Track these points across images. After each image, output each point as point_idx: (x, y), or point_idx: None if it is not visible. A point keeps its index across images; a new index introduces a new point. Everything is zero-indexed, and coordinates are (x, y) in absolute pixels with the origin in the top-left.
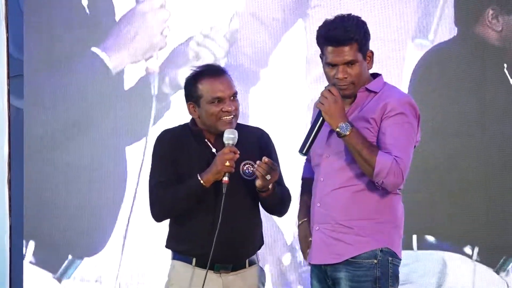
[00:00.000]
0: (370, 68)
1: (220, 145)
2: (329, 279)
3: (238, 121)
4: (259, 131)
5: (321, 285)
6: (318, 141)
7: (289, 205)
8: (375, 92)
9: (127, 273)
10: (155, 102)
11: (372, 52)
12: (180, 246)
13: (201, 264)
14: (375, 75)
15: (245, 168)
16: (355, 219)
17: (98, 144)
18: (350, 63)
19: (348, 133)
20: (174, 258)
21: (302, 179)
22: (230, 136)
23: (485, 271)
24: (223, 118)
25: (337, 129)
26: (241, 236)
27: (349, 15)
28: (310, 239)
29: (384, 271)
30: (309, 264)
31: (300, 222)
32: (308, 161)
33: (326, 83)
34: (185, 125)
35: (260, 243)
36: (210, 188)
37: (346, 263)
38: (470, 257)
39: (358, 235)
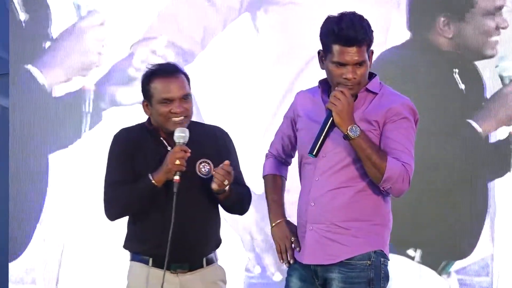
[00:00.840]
0: (370, 68)
1: (174, 144)
2: (319, 279)
3: (197, 120)
4: (217, 129)
5: (304, 284)
6: (312, 139)
7: (249, 203)
8: (374, 93)
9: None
10: (88, 117)
11: (372, 52)
12: (136, 246)
13: (157, 264)
14: (371, 75)
15: (201, 166)
16: (353, 221)
17: (27, 152)
18: (360, 63)
19: (358, 135)
20: (131, 259)
21: (265, 176)
22: (180, 135)
23: (428, 273)
24: (172, 119)
25: (347, 132)
26: (197, 235)
27: (356, 13)
28: (293, 238)
29: (377, 272)
30: (288, 263)
31: (276, 223)
32: (273, 158)
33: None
34: (143, 124)
35: (217, 242)
36: (163, 188)
37: (339, 264)
38: (413, 259)
39: (354, 237)
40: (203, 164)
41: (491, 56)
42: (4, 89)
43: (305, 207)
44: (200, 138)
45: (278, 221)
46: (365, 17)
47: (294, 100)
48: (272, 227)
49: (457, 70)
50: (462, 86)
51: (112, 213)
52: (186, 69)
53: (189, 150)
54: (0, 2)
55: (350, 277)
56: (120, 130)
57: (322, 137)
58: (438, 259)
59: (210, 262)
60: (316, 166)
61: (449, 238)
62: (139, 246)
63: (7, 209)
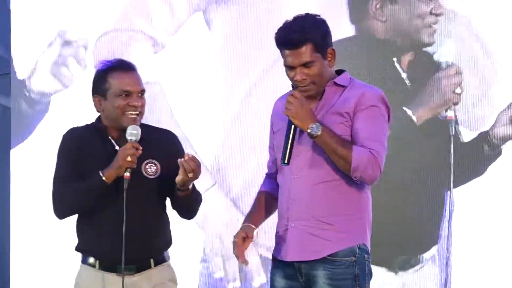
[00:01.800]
0: (333, 65)
1: (123, 142)
2: (303, 276)
3: (151, 124)
4: (169, 134)
5: (288, 282)
6: (284, 140)
7: (198, 208)
8: (343, 86)
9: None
10: None
11: (333, 50)
12: (85, 248)
13: (104, 267)
14: (341, 71)
15: (147, 166)
16: (335, 215)
17: None
18: (307, 64)
19: (319, 133)
20: (81, 261)
21: (260, 192)
22: (133, 132)
23: (380, 270)
24: (128, 112)
25: (308, 131)
26: (143, 236)
27: (306, 14)
28: (235, 250)
29: (362, 268)
30: (273, 260)
31: (244, 224)
32: (267, 177)
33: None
34: (91, 123)
35: (167, 242)
36: (111, 187)
37: (324, 261)
38: None
39: (338, 231)
40: (149, 164)
41: (429, 44)
42: (6, 88)
43: (286, 205)
44: (150, 139)
45: (246, 224)
46: (318, 18)
47: (272, 112)
48: (240, 227)
49: (395, 59)
50: (404, 75)
51: (60, 210)
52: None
53: (141, 148)
54: (1, 4)
55: (336, 274)
56: (68, 130)
57: (289, 143)
58: (392, 256)
59: (158, 262)
60: (293, 165)
61: (402, 234)
62: (87, 248)
63: (8, 232)
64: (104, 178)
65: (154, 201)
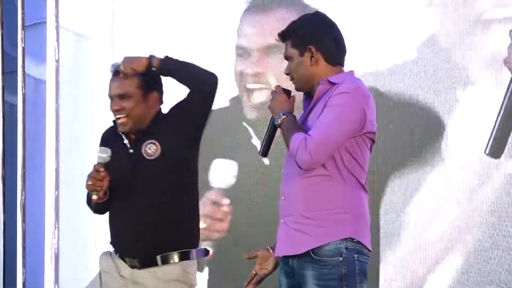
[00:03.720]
0: (319, 65)
1: (136, 144)
2: (296, 274)
3: None
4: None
5: (289, 280)
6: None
7: (203, 74)
8: (335, 83)
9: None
10: None
11: (315, 49)
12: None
13: (119, 255)
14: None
15: (147, 148)
16: (317, 210)
17: None
18: (287, 58)
19: (280, 121)
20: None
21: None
22: (101, 156)
23: None
24: (116, 118)
25: (274, 121)
26: (145, 231)
27: (311, 13)
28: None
29: (351, 268)
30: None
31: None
32: None
33: None
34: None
35: (185, 240)
36: (118, 186)
37: (312, 261)
38: None
39: (320, 226)
40: (149, 145)
41: None
42: (13, 86)
43: (280, 201)
44: (154, 129)
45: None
46: (316, 15)
47: None
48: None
49: None
50: None
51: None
52: None
53: (102, 170)
54: (9, 1)
55: (322, 274)
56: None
57: (265, 135)
58: None
59: (167, 261)
60: (286, 161)
61: None
62: (111, 238)
63: (15, 205)
64: (92, 199)
65: (162, 189)
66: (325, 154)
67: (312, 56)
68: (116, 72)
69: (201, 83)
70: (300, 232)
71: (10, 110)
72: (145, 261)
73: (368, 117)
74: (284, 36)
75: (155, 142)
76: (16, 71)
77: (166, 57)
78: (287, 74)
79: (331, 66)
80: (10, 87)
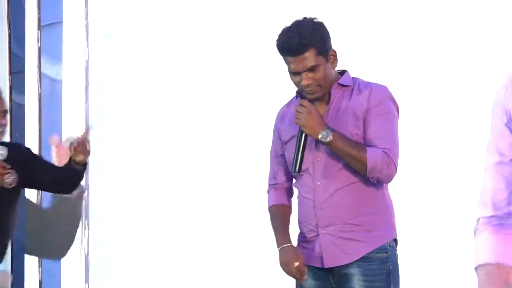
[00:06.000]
0: (335, 67)
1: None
2: (335, 277)
3: None
4: (15, 144)
5: (318, 283)
6: (295, 149)
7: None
8: (348, 86)
9: None
10: None
11: (335, 51)
12: None
13: None
14: (342, 72)
15: (5, 177)
16: (363, 215)
17: None
18: (312, 69)
19: (330, 139)
20: None
21: (269, 208)
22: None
23: None
24: None
25: (319, 138)
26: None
27: (303, 19)
28: (296, 263)
29: (394, 264)
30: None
31: (281, 247)
32: (274, 189)
33: None
34: None
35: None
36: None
37: (357, 259)
38: None
39: (368, 231)
40: (7, 174)
41: None
42: (20, 86)
43: (312, 211)
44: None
45: (282, 246)
46: (316, 20)
47: (275, 122)
48: (279, 251)
49: None
50: None
51: None
52: None
53: (8, 166)
54: (16, 1)
55: (370, 270)
56: None
57: (300, 152)
58: None
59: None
60: (314, 172)
61: None
62: None
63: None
64: None
65: (12, 212)
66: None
67: (334, 60)
68: None
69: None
70: (349, 240)
71: (17, 109)
72: None
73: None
74: (304, 46)
75: (12, 172)
76: (23, 71)
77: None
78: (309, 85)
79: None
80: (17, 87)
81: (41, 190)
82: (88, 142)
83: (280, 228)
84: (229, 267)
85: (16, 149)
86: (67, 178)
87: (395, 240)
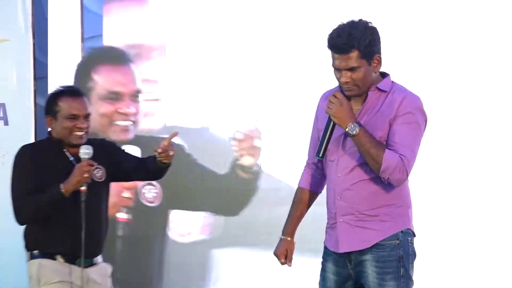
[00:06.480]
0: (378, 70)
1: (77, 155)
2: (352, 263)
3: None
4: (102, 140)
5: (338, 269)
6: (334, 139)
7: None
8: (385, 91)
9: None
10: None
11: (380, 57)
12: (45, 246)
13: (66, 260)
14: (384, 74)
15: (95, 172)
16: (379, 207)
17: None
18: (352, 69)
19: (356, 132)
20: (36, 257)
21: (297, 188)
22: (86, 151)
23: None
24: (75, 133)
25: (346, 129)
26: (98, 235)
27: (358, 21)
28: (281, 260)
29: (406, 250)
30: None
31: (281, 238)
32: (309, 169)
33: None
34: (44, 139)
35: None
36: (70, 196)
37: (371, 246)
38: None
39: (383, 221)
40: (96, 169)
41: None
42: (43, 90)
43: (332, 200)
44: (93, 149)
45: (280, 237)
46: (369, 25)
47: (318, 104)
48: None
49: None
50: None
51: (23, 219)
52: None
53: (95, 164)
54: (39, 13)
55: (382, 256)
56: (22, 147)
57: (326, 139)
58: None
59: (98, 259)
60: (338, 163)
61: None
62: (49, 246)
63: None
64: (63, 191)
65: (102, 204)
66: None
67: (377, 65)
68: (77, 93)
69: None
70: (364, 229)
71: (41, 112)
72: (92, 261)
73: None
74: (349, 47)
75: (100, 167)
76: (46, 77)
77: None
78: (347, 82)
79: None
80: (41, 91)
81: (128, 181)
82: (172, 148)
83: (290, 215)
84: None
85: (102, 145)
86: (152, 170)
87: (410, 230)
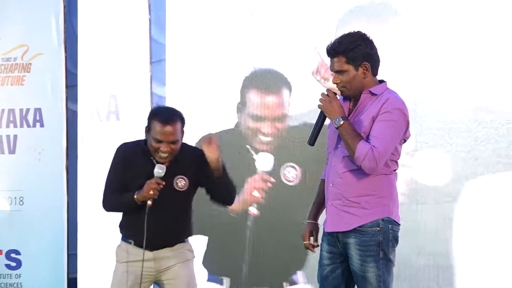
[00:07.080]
0: (367, 77)
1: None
2: (340, 243)
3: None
4: (197, 151)
5: (330, 247)
6: (333, 134)
7: (235, 194)
8: (376, 95)
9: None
10: None
11: (368, 65)
12: (125, 231)
13: (137, 245)
14: (381, 81)
15: (177, 181)
16: (361, 196)
17: None
18: (339, 72)
19: (340, 124)
20: (121, 239)
21: (321, 179)
22: (158, 171)
23: None
24: (159, 154)
25: (333, 122)
26: (169, 232)
27: (355, 32)
28: (306, 242)
29: (385, 236)
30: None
31: (304, 222)
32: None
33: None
34: (140, 141)
35: (188, 235)
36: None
37: (354, 231)
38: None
39: (364, 208)
40: (179, 179)
41: None
42: (74, 96)
43: (326, 188)
44: (183, 158)
45: (305, 221)
46: (365, 36)
47: None
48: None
49: None
50: None
51: (106, 210)
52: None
53: (163, 183)
54: (70, 30)
55: (363, 241)
56: (121, 145)
57: (317, 129)
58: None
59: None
60: (333, 155)
61: None
62: (127, 231)
63: (76, 208)
64: (135, 198)
65: (180, 208)
66: (384, 161)
67: (365, 71)
68: (168, 119)
69: (228, 203)
70: (348, 213)
71: (71, 115)
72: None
73: (408, 127)
74: (335, 53)
75: (184, 178)
76: (76, 85)
77: (225, 171)
78: (337, 84)
79: (374, 77)
80: (71, 97)
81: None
82: (219, 160)
83: (314, 203)
84: None
85: (196, 157)
86: (224, 190)
87: (391, 219)
